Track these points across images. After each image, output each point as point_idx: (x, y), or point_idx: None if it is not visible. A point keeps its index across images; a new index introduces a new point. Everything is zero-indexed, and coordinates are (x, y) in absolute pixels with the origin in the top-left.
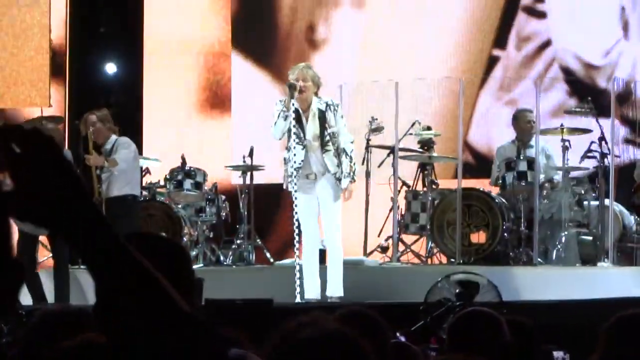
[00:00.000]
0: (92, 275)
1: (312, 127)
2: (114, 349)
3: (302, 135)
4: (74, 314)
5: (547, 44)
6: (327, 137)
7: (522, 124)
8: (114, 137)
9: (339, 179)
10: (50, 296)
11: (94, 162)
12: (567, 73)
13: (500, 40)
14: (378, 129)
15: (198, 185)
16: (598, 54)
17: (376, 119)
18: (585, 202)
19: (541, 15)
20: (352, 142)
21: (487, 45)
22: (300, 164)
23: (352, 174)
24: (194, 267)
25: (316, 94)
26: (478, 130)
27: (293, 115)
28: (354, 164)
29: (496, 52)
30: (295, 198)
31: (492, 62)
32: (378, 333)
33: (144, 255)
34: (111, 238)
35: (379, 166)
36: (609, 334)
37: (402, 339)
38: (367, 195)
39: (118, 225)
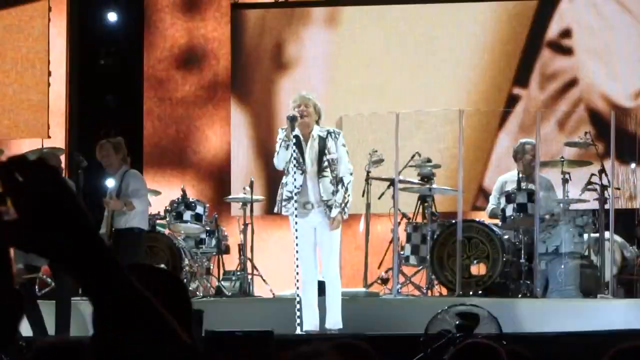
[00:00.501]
0: (92, 305)
1: (311, 152)
2: None
3: (301, 160)
4: (72, 346)
5: (573, 82)
6: (325, 163)
7: (524, 156)
8: (124, 167)
9: (330, 207)
10: (51, 328)
11: (113, 207)
12: (594, 114)
13: (522, 78)
14: (378, 161)
15: (198, 217)
16: (628, 95)
17: (376, 151)
18: (586, 235)
19: (567, 51)
20: (351, 174)
21: (507, 82)
22: (298, 189)
23: (343, 205)
24: (194, 299)
25: (317, 122)
26: (497, 171)
27: (294, 147)
28: (349, 195)
29: (517, 90)
30: (296, 223)
31: (513, 100)
32: None
33: (142, 286)
34: (112, 267)
35: (379, 198)
36: None
37: None
38: (367, 227)
39: (124, 257)
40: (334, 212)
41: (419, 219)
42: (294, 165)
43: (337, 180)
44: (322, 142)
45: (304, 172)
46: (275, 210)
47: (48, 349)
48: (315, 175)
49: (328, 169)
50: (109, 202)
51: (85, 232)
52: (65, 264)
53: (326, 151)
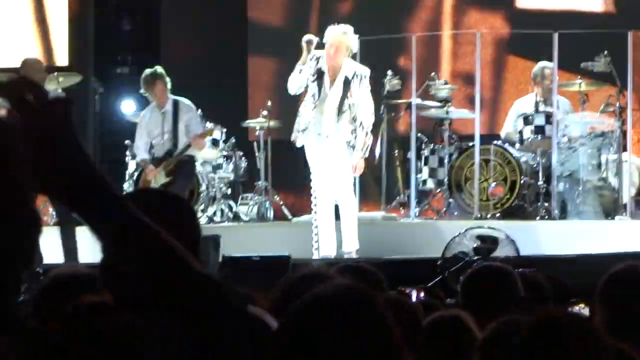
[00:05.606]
0: (93, 233)
1: (334, 92)
2: (121, 307)
3: (317, 96)
4: (86, 275)
5: None
6: (346, 107)
7: (542, 79)
8: (171, 97)
9: (352, 147)
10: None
11: (201, 147)
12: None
13: None
14: (394, 84)
15: (215, 142)
16: None
17: (394, 74)
18: (604, 156)
19: None
20: (372, 115)
21: None
22: (312, 120)
23: (364, 150)
24: (212, 224)
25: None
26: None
27: (312, 78)
28: (369, 138)
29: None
30: (309, 152)
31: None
32: (376, 289)
33: (146, 211)
34: (111, 196)
35: (395, 121)
36: (603, 289)
37: (414, 294)
38: (386, 151)
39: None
40: (356, 157)
41: (437, 142)
42: (311, 98)
43: (356, 122)
44: (347, 85)
45: (316, 106)
46: (292, 139)
47: (66, 278)
48: (334, 114)
49: (348, 111)
50: (197, 144)
51: (83, 167)
52: (65, 200)
53: (348, 94)
